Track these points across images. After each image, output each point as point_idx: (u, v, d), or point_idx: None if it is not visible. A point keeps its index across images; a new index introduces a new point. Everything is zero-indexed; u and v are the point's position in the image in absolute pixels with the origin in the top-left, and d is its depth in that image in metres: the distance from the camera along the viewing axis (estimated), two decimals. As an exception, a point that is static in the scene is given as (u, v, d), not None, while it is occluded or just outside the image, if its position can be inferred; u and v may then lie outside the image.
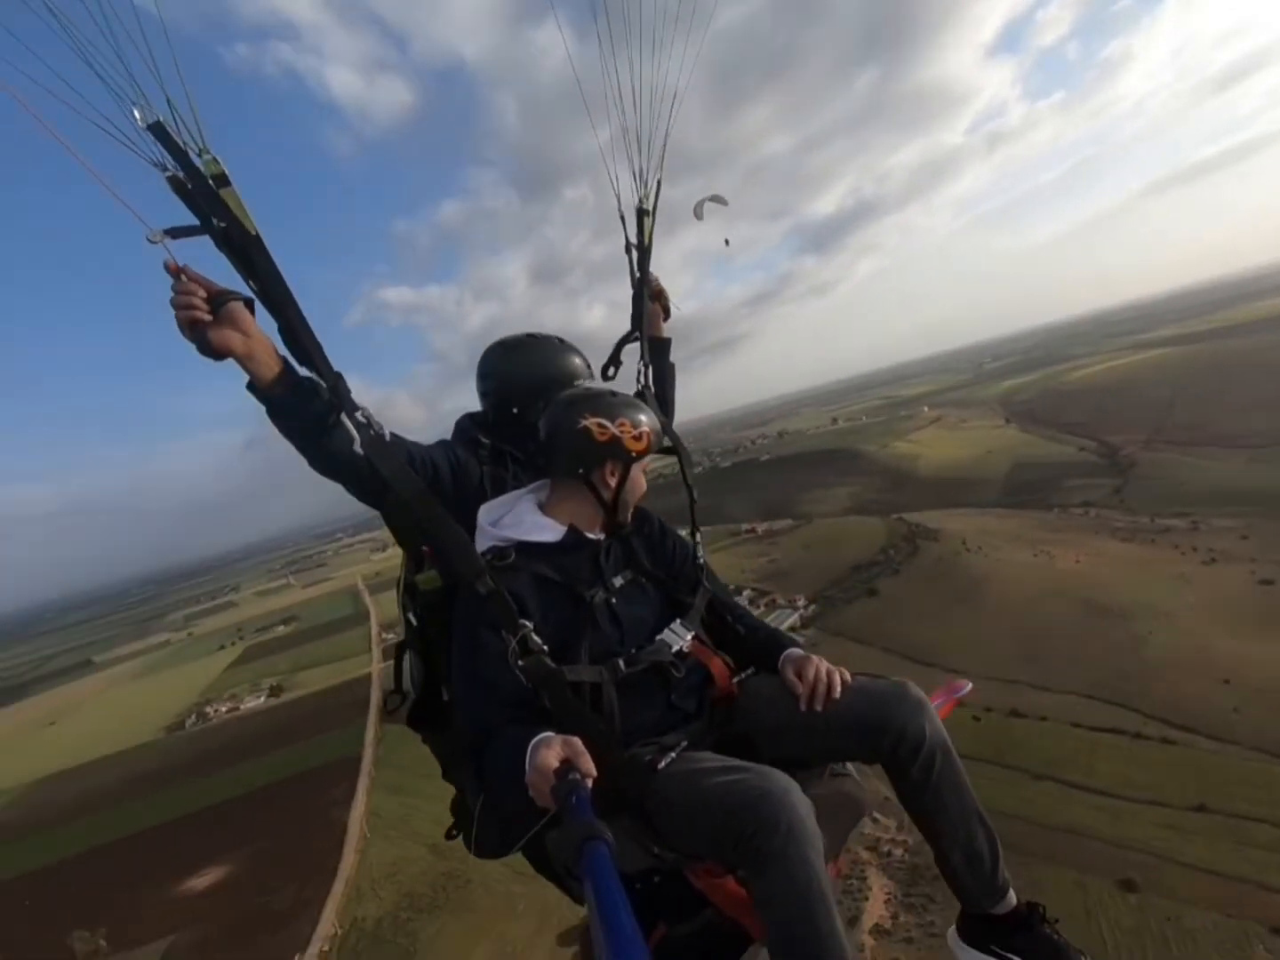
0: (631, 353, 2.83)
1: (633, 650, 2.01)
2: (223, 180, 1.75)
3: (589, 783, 1.38)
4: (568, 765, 1.43)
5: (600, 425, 2.07)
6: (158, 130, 1.69)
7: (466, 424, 2.65)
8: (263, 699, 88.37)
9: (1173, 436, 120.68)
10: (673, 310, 2.98)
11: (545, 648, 1.87)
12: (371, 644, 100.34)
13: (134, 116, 1.65)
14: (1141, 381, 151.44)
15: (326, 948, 41.19)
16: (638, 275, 2.82)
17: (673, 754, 1.87)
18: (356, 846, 50.15)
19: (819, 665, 2.03)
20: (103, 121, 1.60)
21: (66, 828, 62.61)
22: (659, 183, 2.71)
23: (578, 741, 1.51)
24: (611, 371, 2.80)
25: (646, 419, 2.15)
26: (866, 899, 35.53)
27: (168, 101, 1.67)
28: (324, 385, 1.89)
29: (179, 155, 1.72)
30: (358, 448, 1.94)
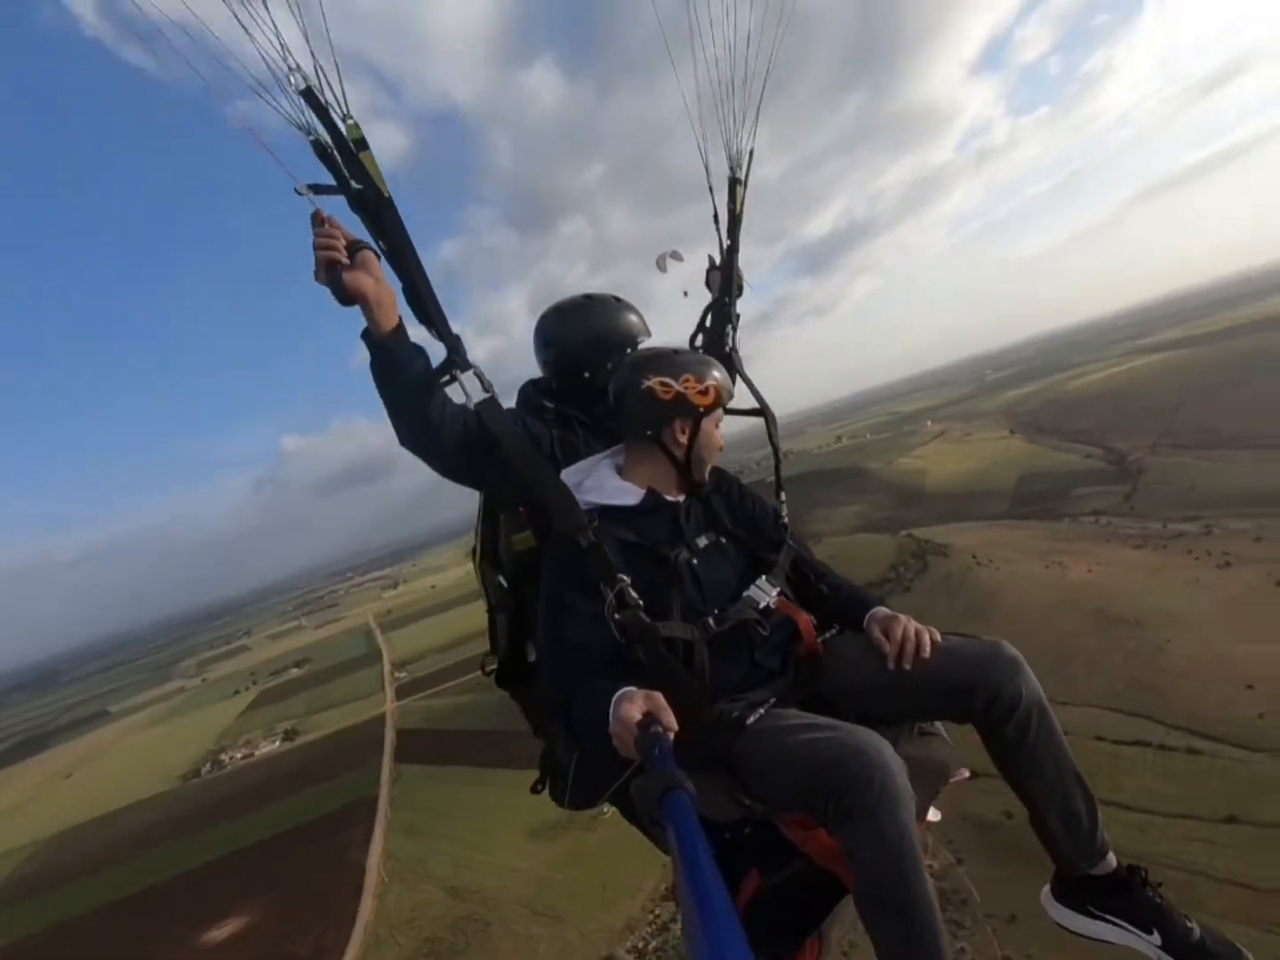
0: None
1: (716, 610, 2.03)
2: (362, 144, 1.90)
3: (670, 736, 1.40)
4: (650, 718, 1.45)
5: (664, 384, 2.10)
6: (308, 95, 1.84)
7: (530, 391, 2.65)
8: (278, 743, 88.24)
9: (1180, 440, 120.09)
10: (745, 289, 2.98)
11: (641, 602, 1.92)
12: (385, 683, 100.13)
13: (289, 82, 1.82)
14: (1145, 386, 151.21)
15: (349, 997, 40.71)
16: (727, 243, 2.86)
17: (761, 710, 1.91)
18: (375, 891, 49.75)
19: (908, 624, 2.01)
20: (257, 87, 1.79)
21: (86, 881, 62.25)
22: (751, 152, 2.76)
23: (659, 696, 1.54)
24: (700, 340, 2.83)
25: (714, 373, 2.16)
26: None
27: (315, 70, 1.83)
28: (440, 345, 2.02)
29: (325, 119, 1.87)
30: (471, 405, 2.05)
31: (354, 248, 1.87)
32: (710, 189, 2.77)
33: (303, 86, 1.82)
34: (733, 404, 2.34)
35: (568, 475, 2.19)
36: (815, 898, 1.89)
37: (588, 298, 2.68)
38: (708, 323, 2.85)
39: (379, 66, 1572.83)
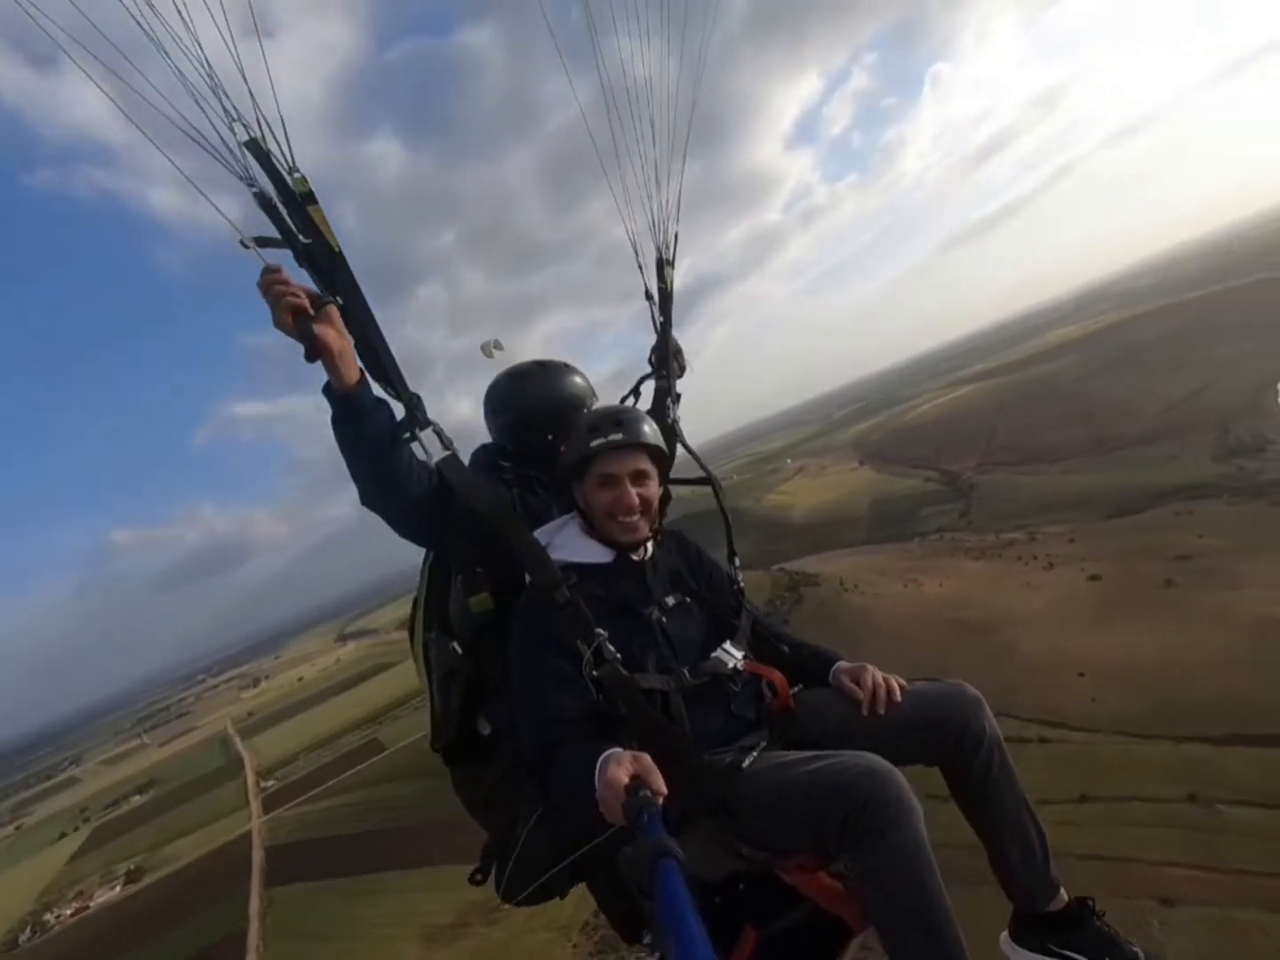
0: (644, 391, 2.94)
1: (688, 666, 2.04)
2: (310, 198, 1.85)
3: (660, 800, 1.36)
4: (638, 781, 1.41)
5: (562, 449, 2.21)
6: (253, 147, 1.79)
7: (484, 455, 2.64)
8: (118, 889, 75.94)
9: (1000, 458, 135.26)
10: (686, 369, 3.02)
11: (619, 656, 1.90)
12: (249, 796, 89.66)
13: (232, 134, 1.76)
14: (967, 412, 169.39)
15: None
16: (661, 320, 2.93)
17: (754, 753, 1.91)
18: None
19: (875, 671, 2.08)
20: (198, 137, 1.73)
21: None
22: (676, 236, 2.91)
23: (647, 758, 1.50)
24: (631, 401, 2.87)
25: (580, 434, 2.19)
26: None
27: (258, 122, 1.78)
28: (397, 402, 1.97)
29: (272, 172, 1.82)
30: (432, 462, 2.00)
31: (317, 301, 1.83)
32: (640, 268, 2.90)
33: (246, 139, 1.78)
34: (685, 473, 2.46)
35: (539, 534, 2.19)
36: (816, 948, 1.87)
37: (541, 364, 2.76)
38: (639, 391, 2.90)
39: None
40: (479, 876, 2.10)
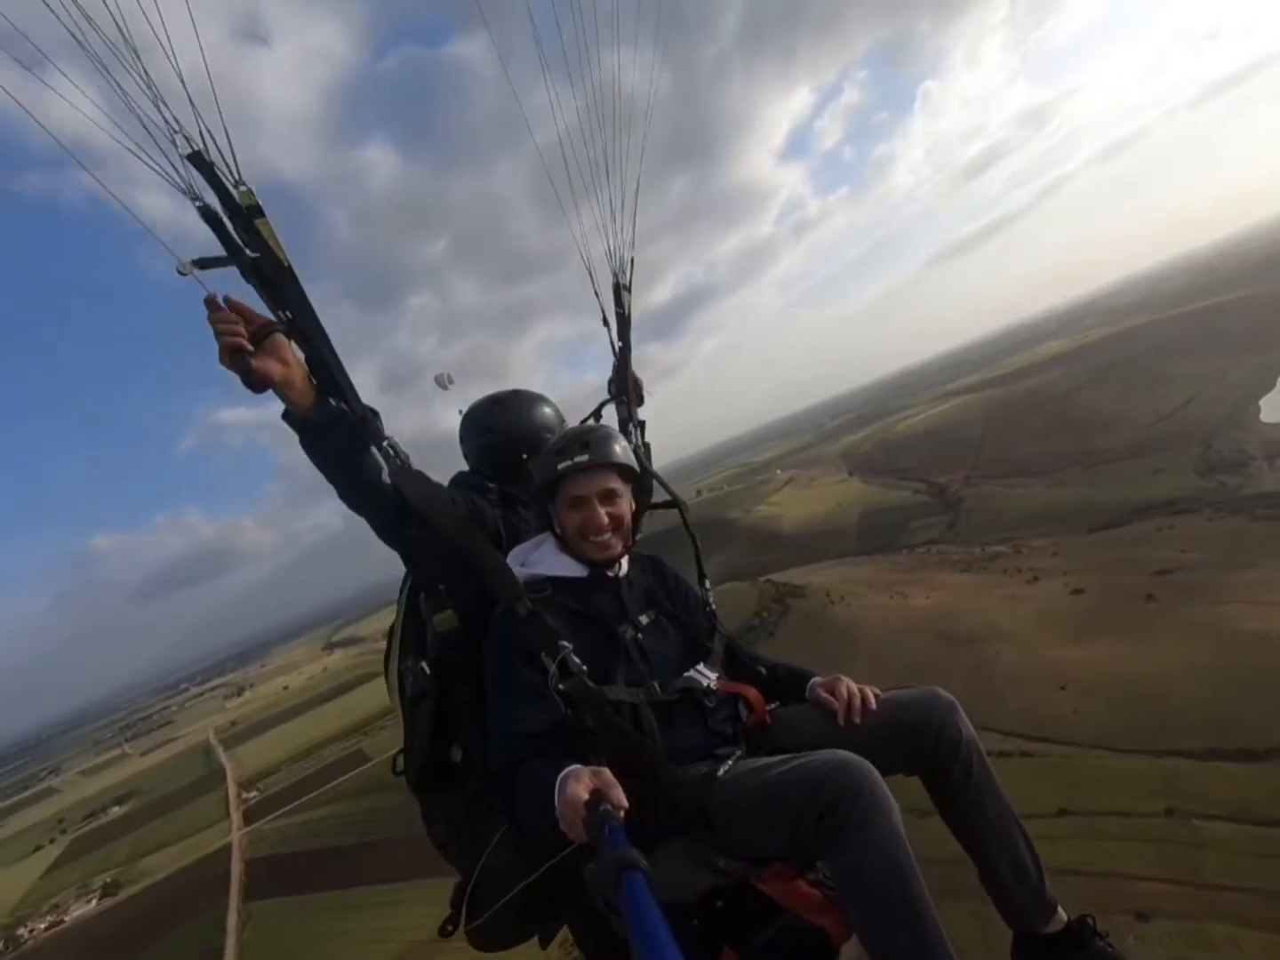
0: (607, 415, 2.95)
1: (658, 681, 2.02)
2: (257, 211, 1.79)
3: (621, 814, 1.34)
4: (598, 795, 1.40)
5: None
6: (197, 160, 1.73)
7: (465, 477, 2.67)
8: (94, 902, 74.59)
9: (987, 471, 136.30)
10: (645, 397, 3.03)
11: (585, 668, 1.88)
12: (230, 808, 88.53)
13: (175, 146, 1.69)
14: (955, 425, 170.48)
15: None
16: (619, 344, 2.93)
17: (729, 763, 1.89)
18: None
19: (849, 682, 2.08)
20: (138, 150, 1.66)
21: None
22: (632, 260, 2.89)
23: (607, 772, 1.49)
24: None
25: (547, 457, 2.21)
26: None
27: (201, 134, 1.72)
28: (355, 415, 1.92)
29: (217, 185, 1.75)
30: (385, 477, 1.95)
31: (260, 332, 1.78)
32: (596, 294, 2.88)
33: (189, 151, 1.72)
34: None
35: (516, 552, 2.24)
36: (801, 957, 1.83)
37: (515, 392, 2.86)
38: (600, 415, 2.93)
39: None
40: (449, 927, 1.98)
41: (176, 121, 1.70)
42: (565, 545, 2.22)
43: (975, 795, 1.88)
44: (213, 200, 1.78)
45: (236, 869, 68.50)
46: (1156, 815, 37.62)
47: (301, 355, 1.88)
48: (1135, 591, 62.93)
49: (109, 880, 78.40)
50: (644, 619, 2.20)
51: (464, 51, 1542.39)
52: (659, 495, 2.60)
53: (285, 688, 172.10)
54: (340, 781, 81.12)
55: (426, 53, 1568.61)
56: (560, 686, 1.85)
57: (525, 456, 2.60)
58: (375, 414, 1.99)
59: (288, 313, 1.85)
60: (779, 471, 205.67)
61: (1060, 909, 1.89)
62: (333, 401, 1.90)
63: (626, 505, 2.25)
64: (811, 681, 2.21)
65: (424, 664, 2.18)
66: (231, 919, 58.70)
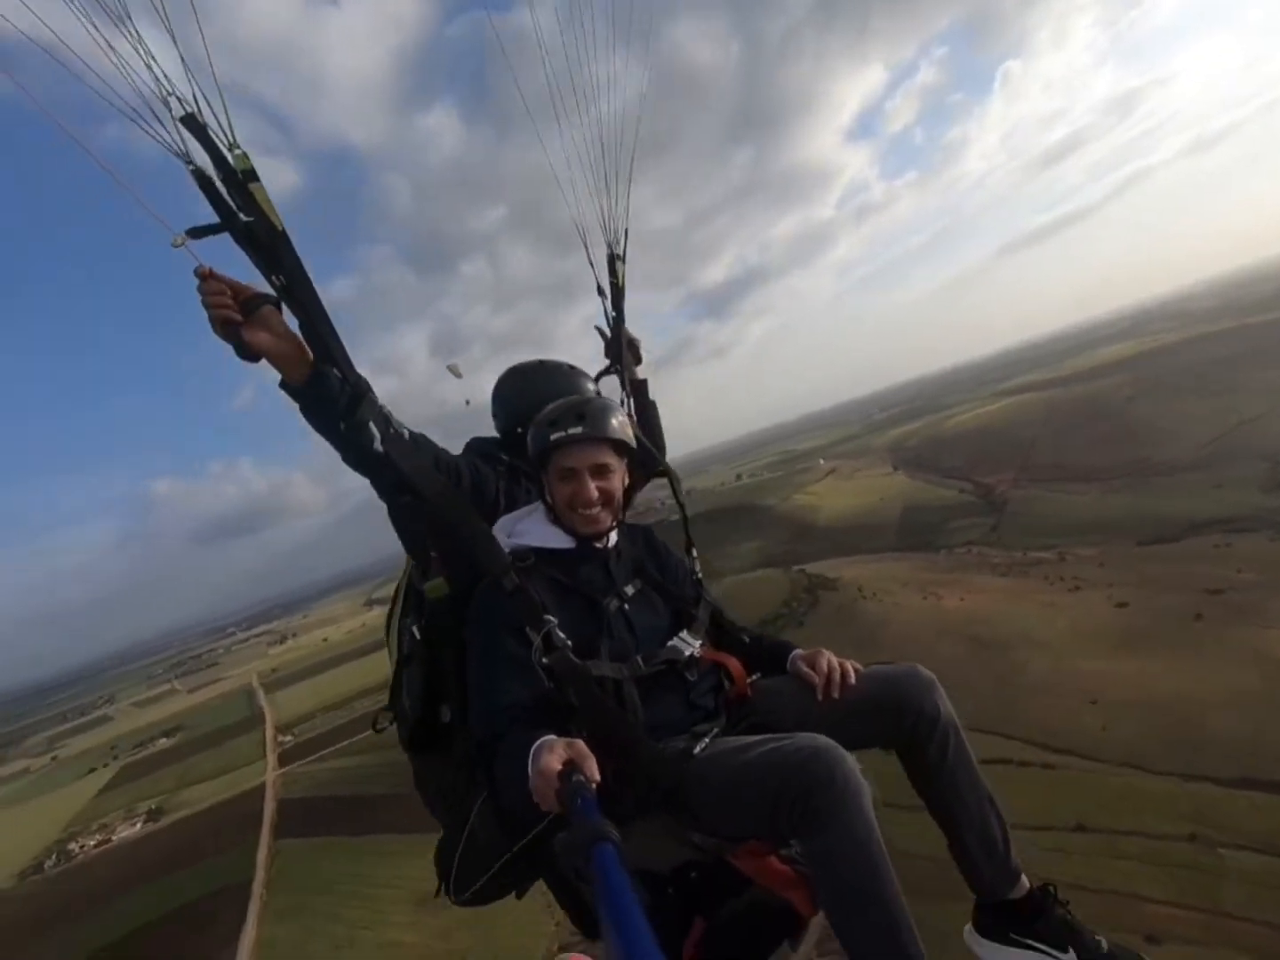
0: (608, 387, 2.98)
1: (641, 655, 2.04)
2: (251, 175, 1.77)
3: (594, 785, 1.36)
4: (571, 767, 1.41)
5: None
6: (190, 123, 1.72)
7: (479, 443, 2.73)
8: (139, 825, 79.44)
9: (1037, 475, 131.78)
10: (643, 356, 3.08)
11: (569, 643, 1.90)
12: (266, 750, 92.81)
13: (169, 108, 1.69)
14: (1008, 425, 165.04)
15: None
16: (613, 314, 2.96)
17: (705, 740, 1.90)
18: (246, 986, 45.31)
19: (830, 656, 2.09)
20: (130, 111, 1.66)
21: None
22: (626, 231, 2.95)
23: (580, 744, 1.50)
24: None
25: (541, 426, 2.20)
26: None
27: (195, 96, 1.70)
28: (348, 384, 1.94)
29: (211, 149, 1.74)
30: (378, 446, 1.98)
31: (250, 304, 1.80)
32: (592, 265, 2.93)
33: (182, 114, 1.72)
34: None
35: (504, 522, 2.26)
36: (765, 934, 1.90)
37: (541, 363, 2.83)
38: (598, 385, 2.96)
39: (267, 102, 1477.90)
40: (439, 891, 2.08)
41: (170, 83, 1.68)
42: (555, 515, 2.22)
43: (950, 773, 1.91)
44: (206, 166, 1.78)
45: (269, 808, 71.95)
46: (1179, 840, 36.66)
47: (295, 324, 1.90)
48: (1183, 609, 60.53)
49: (153, 806, 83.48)
50: (630, 589, 2.20)
51: (528, 18, 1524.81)
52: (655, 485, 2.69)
53: (325, 639, 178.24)
54: (369, 734, 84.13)
55: (495, 17, 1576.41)
56: (544, 661, 1.87)
57: (521, 431, 2.55)
58: (363, 380, 2.00)
59: (281, 278, 1.85)
60: (821, 461, 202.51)
61: (1024, 877, 1.94)
62: (327, 371, 1.91)
63: (619, 480, 2.23)
64: (793, 654, 2.21)
65: (415, 628, 2.23)
66: (261, 854, 61.86)
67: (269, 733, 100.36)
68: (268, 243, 1.80)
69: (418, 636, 2.20)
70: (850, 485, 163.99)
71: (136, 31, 1.63)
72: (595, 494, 2.14)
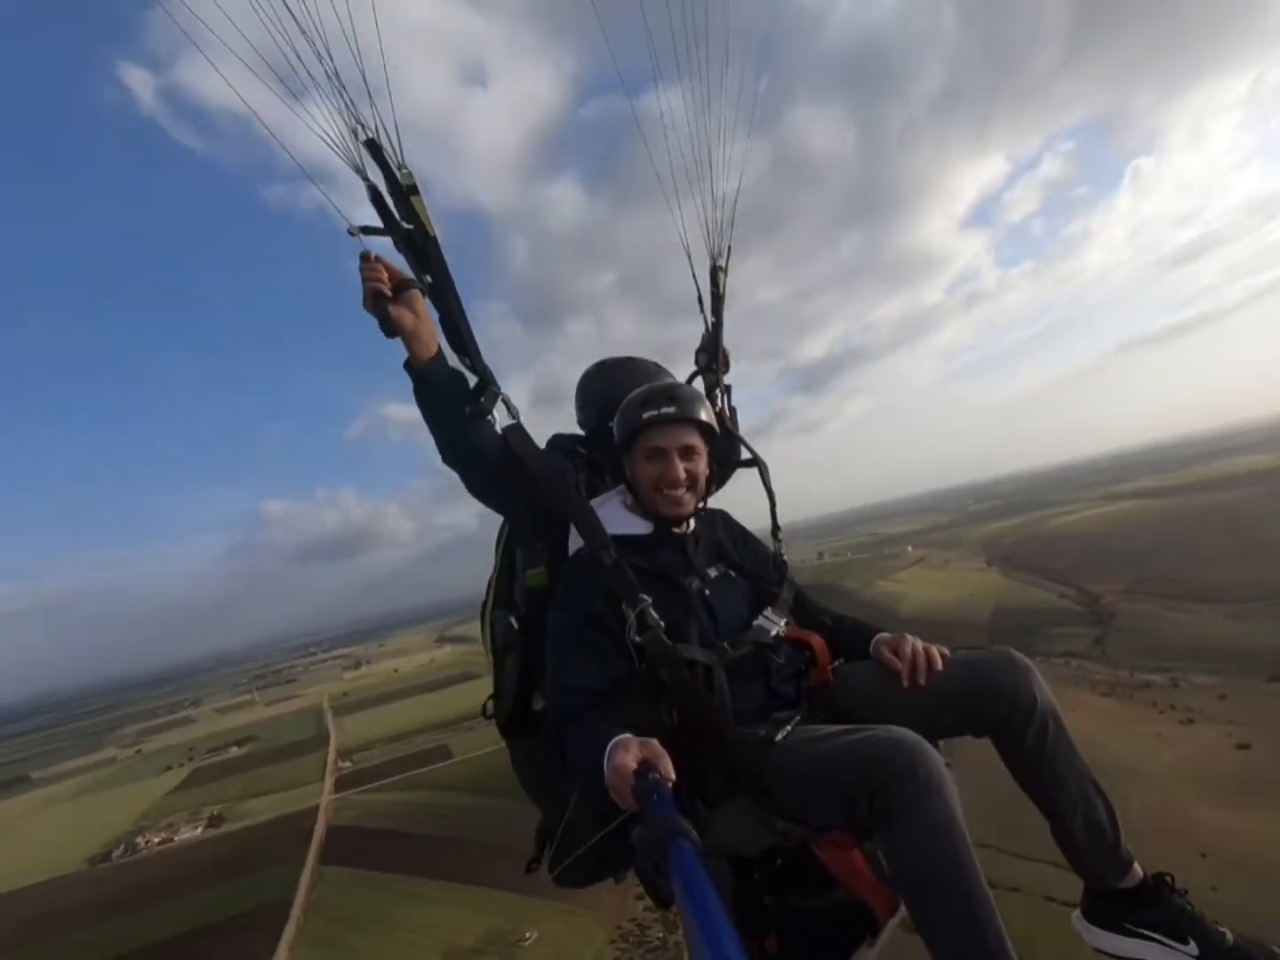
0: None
1: (729, 638, 2.04)
2: (414, 189, 2.10)
3: (669, 783, 1.38)
4: (647, 765, 1.43)
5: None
6: (371, 146, 2.07)
7: (561, 438, 2.78)
8: (200, 829, 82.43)
9: (1151, 588, 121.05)
10: (731, 364, 3.13)
11: (662, 624, 1.92)
12: (325, 772, 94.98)
13: (355, 135, 2.06)
14: (1120, 531, 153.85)
15: None
16: (712, 320, 3.03)
17: (788, 728, 1.89)
18: (269, 1011, 45.19)
19: (915, 641, 2.04)
20: (325, 137, 2.05)
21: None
22: (729, 247, 3.05)
23: (655, 743, 1.52)
24: None
25: (631, 406, 2.25)
26: None
27: (375, 127, 2.08)
28: (469, 376, 2.14)
29: (385, 167, 2.08)
30: (498, 428, 2.17)
31: (401, 286, 2.04)
32: (694, 275, 3.02)
33: (366, 139, 2.06)
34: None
35: None
36: (847, 932, 1.88)
37: (629, 359, 2.91)
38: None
39: (413, 164, 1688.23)
40: (534, 865, 2.18)
41: (360, 117, 2.05)
42: (636, 500, 2.25)
43: (1050, 761, 1.84)
44: (379, 183, 2.11)
45: (319, 830, 73.13)
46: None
47: (436, 316, 2.14)
48: (1319, 760, 53.12)
49: (215, 813, 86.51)
50: (712, 572, 2.20)
51: (656, 102, 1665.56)
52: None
53: (395, 670, 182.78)
54: (423, 771, 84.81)
55: (622, 101, 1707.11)
56: (636, 639, 1.89)
57: (610, 425, 2.60)
58: (490, 372, 2.17)
59: (429, 276, 2.12)
60: (910, 548, 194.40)
61: (1136, 865, 1.87)
62: (452, 360, 2.14)
63: (704, 465, 2.24)
64: (876, 638, 2.15)
65: (512, 619, 2.29)
66: (305, 876, 62.59)
67: (331, 755, 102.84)
68: (421, 246, 2.10)
69: (515, 627, 2.27)
70: (939, 576, 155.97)
71: (339, 76, 2.01)
72: (683, 474, 2.17)
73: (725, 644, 2.00)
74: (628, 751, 1.48)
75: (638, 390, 2.29)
